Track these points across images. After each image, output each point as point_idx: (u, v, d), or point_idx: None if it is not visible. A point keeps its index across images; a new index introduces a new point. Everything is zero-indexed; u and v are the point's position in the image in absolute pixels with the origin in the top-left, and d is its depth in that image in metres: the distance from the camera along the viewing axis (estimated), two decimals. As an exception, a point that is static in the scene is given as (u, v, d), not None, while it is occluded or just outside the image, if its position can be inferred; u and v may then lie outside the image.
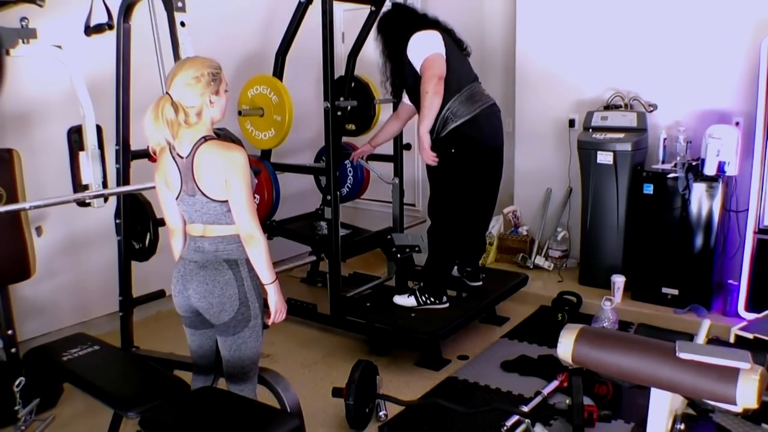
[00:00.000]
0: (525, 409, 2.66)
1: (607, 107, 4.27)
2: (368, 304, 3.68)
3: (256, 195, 2.08)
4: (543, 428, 2.53)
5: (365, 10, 4.07)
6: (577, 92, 4.49)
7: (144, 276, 3.22)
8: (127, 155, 2.99)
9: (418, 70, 3.25)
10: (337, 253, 3.69)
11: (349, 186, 4.37)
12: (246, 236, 2.04)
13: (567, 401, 2.51)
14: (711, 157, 3.61)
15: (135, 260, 3.11)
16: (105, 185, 2.56)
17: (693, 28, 3.97)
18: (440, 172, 3.43)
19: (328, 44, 3.42)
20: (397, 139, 4.20)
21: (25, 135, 3.37)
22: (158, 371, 2.45)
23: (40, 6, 2.47)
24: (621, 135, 4.04)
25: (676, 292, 3.84)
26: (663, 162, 3.99)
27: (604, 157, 4.05)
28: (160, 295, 3.21)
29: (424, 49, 3.23)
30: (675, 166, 3.81)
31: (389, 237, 4.11)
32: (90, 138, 2.49)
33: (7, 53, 2.30)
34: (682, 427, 1.74)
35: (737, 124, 3.83)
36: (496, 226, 4.89)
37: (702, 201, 3.72)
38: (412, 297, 3.54)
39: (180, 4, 2.49)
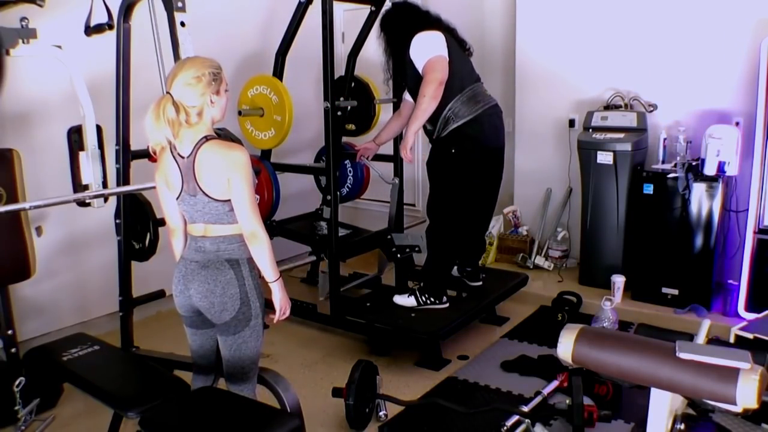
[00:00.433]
0: (525, 409, 2.66)
1: (607, 107, 4.27)
2: (368, 304, 3.68)
3: (256, 195, 2.09)
4: (543, 428, 2.53)
5: (365, 10, 4.06)
6: (577, 92, 4.49)
7: (144, 276, 3.23)
8: (127, 155, 2.99)
9: (420, 70, 3.24)
10: (337, 253, 3.69)
11: (349, 186, 4.37)
12: (249, 235, 2.04)
13: (567, 401, 2.51)
14: (711, 157, 3.61)
15: (135, 260, 3.11)
16: (105, 185, 2.56)
17: (693, 29, 3.97)
18: (440, 172, 3.43)
19: (328, 44, 3.42)
20: (398, 140, 4.20)
21: (25, 135, 3.37)
22: (158, 371, 2.45)
23: (40, 6, 2.47)
24: (621, 135, 4.04)
25: (676, 292, 3.84)
26: (663, 162, 3.98)
27: (604, 157, 4.05)
28: (160, 295, 3.21)
29: (427, 51, 3.21)
30: (675, 166, 3.81)
31: (389, 237, 4.11)
32: (90, 138, 2.49)
33: (7, 53, 2.30)
34: (682, 427, 1.74)
35: (737, 124, 3.83)
36: (496, 226, 4.89)
37: (702, 201, 3.72)
38: (412, 297, 3.54)
39: (180, 4, 2.49)
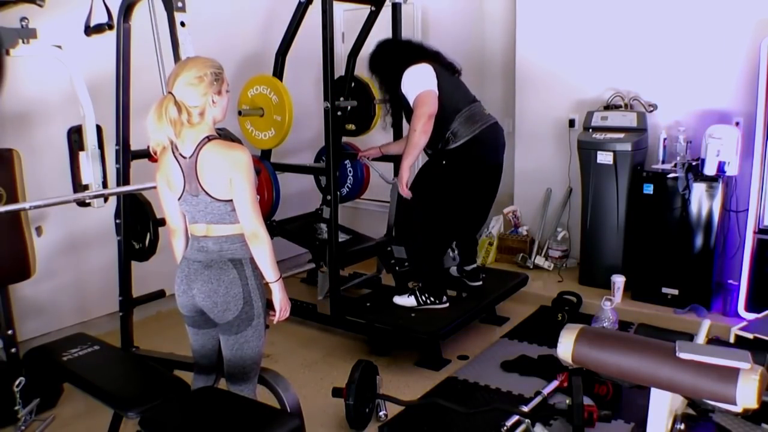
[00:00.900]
0: (525, 409, 2.66)
1: (607, 107, 4.27)
2: (368, 304, 3.69)
3: (256, 195, 2.10)
4: (543, 428, 2.53)
5: (365, 10, 4.07)
6: (577, 92, 4.49)
7: (144, 276, 3.23)
8: (127, 155, 2.99)
9: (411, 104, 3.31)
10: (337, 253, 3.69)
11: (349, 186, 4.37)
12: (250, 235, 2.04)
13: (567, 401, 2.51)
14: (711, 157, 3.61)
15: (135, 260, 3.11)
16: (105, 185, 2.56)
17: (693, 29, 3.97)
18: (434, 179, 3.44)
19: (328, 44, 3.42)
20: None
21: (25, 135, 3.37)
22: (158, 371, 2.45)
23: (40, 6, 2.47)
24: (621, 135, 4.04)
25: (676, 292, 3.84)
26: (663, 162, 3.99)
27: (604, 157, 4.05)
28: (160, 295, 3.21)
29: (416, 86, 3.28)
30: (675, 166, 3.81)
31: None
32: (90, 138, 2.49)
33: (7, 53, 2.30)
34: (682, 427, 1.74)
35: (737, 124, 3.83)
36: (496, 226, 4.89)
37: (702, 201, 3.72)
38: (412, 297, 3.54)
39: (180, 4, 2.49)
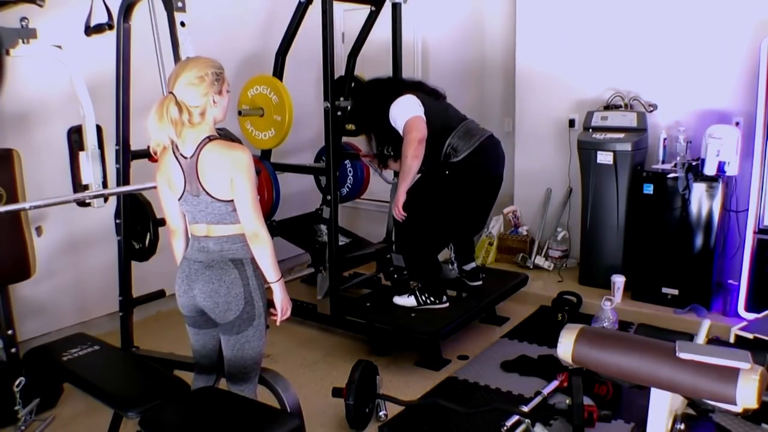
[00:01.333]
0: (525, 409, 2.65)
1: (607, 107, 4.27)
2: (368, 304, 3.69)
3: (257, 195, 2.11)
4: (543, 428, 2.53)
5: (365, 10, 4.06)
6: (577, 92, 4.49)
7: (144, 276, 3.23)
8: (127, 155, 2.99)
9: (402, 133, 3.34)
10: (337, 254, 3.69)
11: (349, 186, 4.38)
12: (251, 235, 2.04)
13: (567, 401, 2.51)
14: (711, 157, 3.61)
15: (135, 260, 3.11)
16: (105, 185, 2.56)
17: (693, 28, 3.97)
18: (433, 192, 3.45)
19: (328, 44, 3.42)
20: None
21: (25, 135, 3.37)
22: (158, 371, 2.45)
23: (40, 6, 2.47)
24: (621, 135, 4.04)
25: (676, 292, 3.84)
26: (663, 162, 3.98)
27: (604, 157, 4.05)
28: (160, 295, 3.21)
29: (404, 114, 3.33)
30: (675, 166, 3.81)
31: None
32: (90, 138, 2.49)
33: (7, 53, 2.30)
34: (682, 427, 1.74)
35: (737, 124, 3.83)
36: (496, 226, 4.89)
37: (702, 201, 3.72)
38: (412, 297, 3.54)
39: (180, 4, 2.49)
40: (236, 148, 2.04)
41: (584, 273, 4.33)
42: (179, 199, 2.11)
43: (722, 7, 3.85)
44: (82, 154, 2.50)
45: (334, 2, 3.45)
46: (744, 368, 1.52)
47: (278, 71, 3.92)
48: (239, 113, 3.86)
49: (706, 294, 3.79)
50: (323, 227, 3.89)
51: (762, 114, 3.52)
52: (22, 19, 2.30)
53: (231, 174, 1.99)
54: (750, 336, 3.03)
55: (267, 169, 3.84)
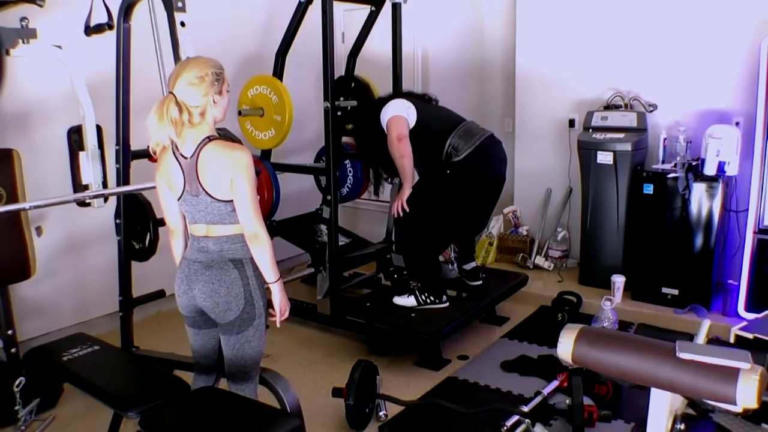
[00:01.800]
0: (525, 409, 2.65)
1: (607, 107, 4.27)
2: (368, 304, 3.68)
3: (257, 195, 2.11)
4: (543, 428, 2.53)
5: (365, 10, 4.07)
6: (577, 92, 4.49)
7: (144, 276, 3.23)
8: (127, 155, 2.99)
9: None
10: (337, 254, 3.69)
11: (349, 186, 4.37)
12: (251, 235, 2.04)
13: (567, 401, 2.51)
14: (711, 157, 3.61)
15: (135, 260, 3.11)
16: (105, 185, 2.56)
17: (693, 28, 3.97)
18: (435, 192, 3.46)
19: (328, 44, 3.42)
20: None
21: (25, 135, 3.37)
22: (158, 371, 2.45)
23: (40, 6, 2.47)
24: (621, 135, 4.04)
25: (676, 292, 3.84)
26: (663, 162, 3.98)
27: (604, 157, 4.05)
28: (160, 295, 3.21)
29: (387, 116, 3.41)
30: (675, 166, 3.81)
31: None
32: (90, 138, 2.49)
33: (7, 53, 2.30)
34: (682, 427, 1.74)
35: (737, 124, 3.83)
36: (496, 226, 4.89)
37: (702, 201, 3.72)
38: (412, 297, 3.54)
39: (180, 4, 2.49)
40: (236, 149, 2.04)
41: (584, 273, 4.33)
42: (179, 199, 2.11)
43: (722, 7, 3.85)
44: (82, 154, 2.50)
45: (334, 2, 3.46)
46: (744, 368, 1.52)
47: (278, 71, 3.92)
48: (239, 113, 3.86)
49: (706, 294, 3.79)
50: (323, 227, 3.89)
51: (762, 114, 3.52)
52: (22, 19, 2.30)
53: (231, 174, 1.99)
54: (750, 336, 3.03)
55: (267, 169, 3.84)
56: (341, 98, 3.82)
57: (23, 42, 2.31)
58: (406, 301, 3.55)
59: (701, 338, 2.13)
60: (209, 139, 2.02)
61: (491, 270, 4.25)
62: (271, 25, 4.40)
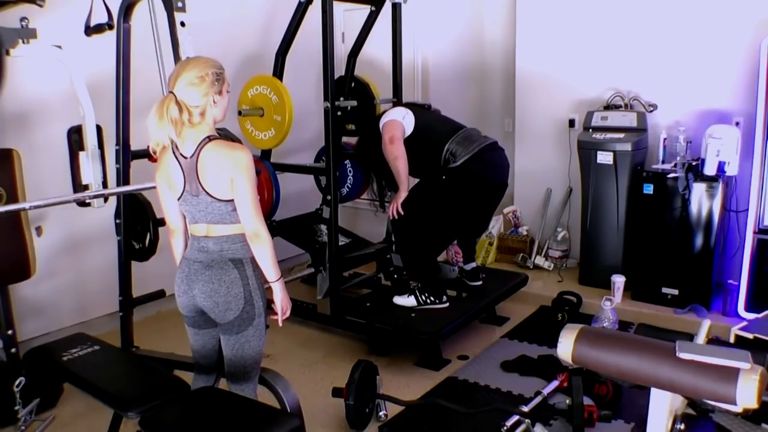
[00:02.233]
0: (525, 409, 2.65)
1: (607, 107, 4.27)
2: (368, 304, 3.69)
3: (257, 195, 2.11)
4: (543, 428, 2.53)
5: (365, 10, 4.06)
6: (577, 92, 4.49)
7: (144, 276, 3.23)
8: (127, 155, 2.99)
9: None
10: (337, 254, 3.69)
11: (349, 186, 4.37)
12: (252, 235, 2.04)
13: (567, 401, 2.51)
14: (711, 157, 3.61)
15: (135, 260, 3.11)
16: (105, 185, 2.56)
17: (693, 28, 3.97)
18: (431, 197, 3.47)
19: (328, 44, 3.42)
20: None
21: (25, 135, 3.37)
22: (158, 371, 2.45)
23: (40, 6, 2.47)
24: (621, 135, 4.04)
25: (676, 292, 3.84)
26: (663, 162, 3.98)
27: (604, 157, 4.05)
28: (160, 295, 3.21)
29: (383, 119, 3.49)
30: (675, 166, 3.81)
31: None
32: (90, 138, 2.49)
33: (7, 53, 2.30)
34: (682, 427, 1.74)
35: (737, 124, 3.83)
36: (496, 226, 4.89)
37: (702, 201, 3.72)
38: (412, 297, 3.54)
39: (180, 4, 2.49)
40: (237, 148, 2.04)
41: (584, 273, 4.33)
42: (179, 199, 2.11)
43: (722, 7, 3.85)
44: (82, 154, 2.50)
45: (334, 2, 3.46)
46: (744, 368, 1.52)
47: (278, 71, 3.92)
48: (239, 113, 3.85)
49: (706, 294, 3.79)
50: (323, 227, 3.89)
51: (762, 114, 3.52)
52: (22, 19, 2.30)
53: (231, 174, 2.00)
54: (750, 336, 3.03)
55: (267, 169, 3.84)
56: (341, 98, 3.82)
57: (23, 42, 2.31)
58: (406, 301, 3.55)
59: (701, 338, 2.13)
60: (209, 138, 2.02)
61: (491, 270, 4.25)
62: (271, 25, 4.40)
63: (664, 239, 3.85)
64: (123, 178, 2.99)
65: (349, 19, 5.00)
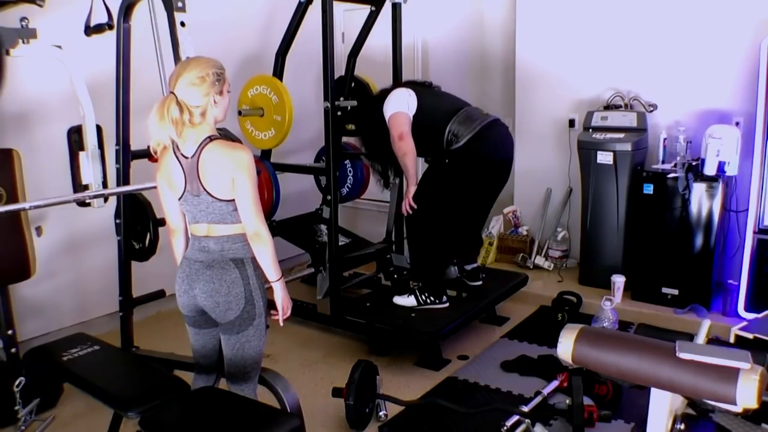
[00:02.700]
0: (525, 409, 2.66)
1: (607, 107, 4.26)
2: (368, 304, 3.69)
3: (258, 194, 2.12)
4: (543, 428, 2.53)
5: (365, 10, 4.06)
6: (577, 92, 4.49)
7: (144, 276, 3.23)
8: (127, 155, 2.98)
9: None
10: (337, 254, 3.69)
11: (349, 186, 4.37)
12: (252, 234, 2.05)
13: (567, 401, 2.51)
14: (711, 157, 3.61)
15: (135, 260, 3.11)
16: (105, 185, 2.57)
17: (693, 28, 3.97)
18: (438, 175, 3.46)
19: (328, 44, 3.43)
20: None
21: (25, 135, 3.37)
22: (158, 371, 2.45)
23: (40, 6, 2.47)
24: (621, 135, 4.04)
25: (676, 292, 3.84)
26: (663, 162, 3.98)
27: (604, 157, 4.05)
28: (160, 295, 3.21)
29: (389, 110, 3.43)
30: (675, 166, 3.81)
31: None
32: (90, 138, 2.49)
33: (7, 53, 2.30)
34: (682, 427, 1.74)
35: (737, 124, 3.83)
36: (496, 226, 4.89)
37: (702, 201, 3.72)
38: (412, 297, 3.54)
39: (180, 4, 2.49)
40: (238, 148, 2.04)
41: (584, 273, 4.33)
42: (179, 199, 2.11)
43: (722, 7, 3.85)
44: (82, 154, 2.50)
45: (334, 2, 3.46)
46: (744, 368, 1.52)
47: (278, 71, 3.92)
48: (239, 113, 3.86)
49: (706, 294, 3.79)
50: (323, 227, 3.89)
51: (762, 114, 3.52)
52: (22, 19, 2.30)
53: (232, 174, 2.00)
54: (750, 336, 3.03)
55: (267, 169, 3.84)
56: (341, 98, 3.82)
57: (23, 42, 2.31)
58: (406, 301, 3.55)
59: (701, 338, 2.13)
60: (210, 138, 2.02)
61: (491, 270, 4.25)
62: (271, 25, 4.40)
63: (664, 239, 3.85)
64: (123, 178, 2.99)
65: (349, 19, 5.00)
